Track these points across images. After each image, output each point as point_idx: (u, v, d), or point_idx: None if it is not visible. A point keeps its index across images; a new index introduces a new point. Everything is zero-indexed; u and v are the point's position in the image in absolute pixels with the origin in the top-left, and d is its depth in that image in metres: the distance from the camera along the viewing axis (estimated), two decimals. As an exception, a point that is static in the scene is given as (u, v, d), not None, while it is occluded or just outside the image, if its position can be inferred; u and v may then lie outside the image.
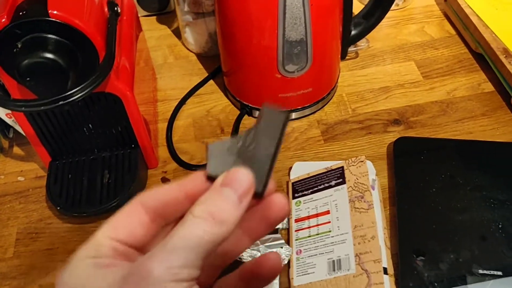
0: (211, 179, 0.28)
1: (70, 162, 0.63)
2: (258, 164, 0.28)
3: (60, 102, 0.47)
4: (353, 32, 0.72)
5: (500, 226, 0.56)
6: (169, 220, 0.29)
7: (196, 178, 0.29)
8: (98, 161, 0.63)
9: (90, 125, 0.61)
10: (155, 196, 0.29)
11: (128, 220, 0.28)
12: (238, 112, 0.73)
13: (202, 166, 0.67)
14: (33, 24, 0.47)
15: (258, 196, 0.28)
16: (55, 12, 0.47)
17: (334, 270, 0.53)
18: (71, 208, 0.59)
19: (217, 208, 0.25)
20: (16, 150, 0.71)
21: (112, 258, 0.27)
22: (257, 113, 0.72)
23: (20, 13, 0.47)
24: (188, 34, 0.81)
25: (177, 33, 0.86)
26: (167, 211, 0.29)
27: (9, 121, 0.66)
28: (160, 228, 0.29)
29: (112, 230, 0.28)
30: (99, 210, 0.59)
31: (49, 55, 0.48)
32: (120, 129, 0.62)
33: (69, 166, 0.63)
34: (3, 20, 0.46)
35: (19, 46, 0.47)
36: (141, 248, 0.29)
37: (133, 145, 0.63)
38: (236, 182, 0.26)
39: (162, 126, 0.73)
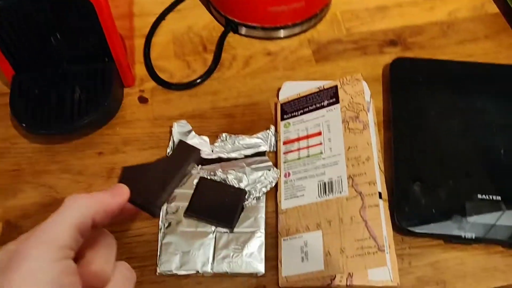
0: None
1: (36, 76, 0.57)
2: (156, 186, 0.34)
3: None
4: None
5: (502, 151, 0.53)
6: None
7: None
8: (68, 76, 0.57)
9: (58, 34, 0.55)
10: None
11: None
12: (223, 28, 0.67)
13: (183, 85, 0.62)
14: None
15: (151, 213, 0.34)
16: None
17: (325, 192, 0.49)
18: (38, 125, 0.54)
19: (91, 193, 0.30)
20: (-23, 65, 0.64)
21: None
22: (243, 29, 0.66)
23: None
24: None
25: None
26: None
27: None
28: None
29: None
30: (69, 128, 0.54)
31: None
32: (92, 41, 0.56)
33: (35, 80, 0.56)
34: None
35: None
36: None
37: (106, 59, 0.57)
38: (113, 187, 0.33)
39: (139, 42, 0.66)
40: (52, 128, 0.54)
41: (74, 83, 0.56)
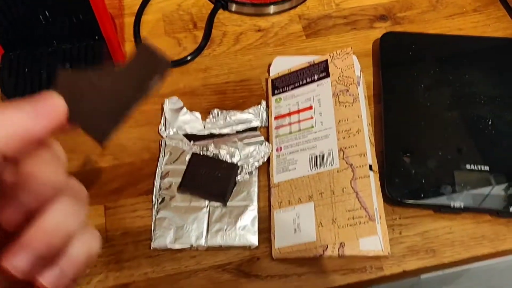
0: None
1: (26, 54, 0.56)
2: (112, 106, 0.24)
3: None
4: None
5: (489, 122, 0.54)
6: None
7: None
8: (57, 53, 0.56)
9: (46, 12, 0.54)
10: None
11: None
12: (212, 5, 0.67)
13: (174, 62, 0.61)
14: None
15: (99, 142, 0.24)
16: None
17: (317, 165, 0.50)
18: (29, 103, 0.54)
19: (9, 109, 0.21)
20: (-35, 45, 0.64)
21: None
22: (233, 6, 0.65)
23: None
24: None
25: None
26: None
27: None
28: None
29: None
30: (60, 105, 0.54)
31: None
32: (81, 18, 0.55)
33: (25, 58, 0.56)
34: None
35: None
36: None
37: (96, 37, 0.57)
38: (40, 100, 0.22)
39: (129, 20, 0.66)
40: (44, 106, 0.54)
41: (64, 61, 0.56)
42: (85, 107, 0.23)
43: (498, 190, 0.50)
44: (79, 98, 0.23)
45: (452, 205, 0.49)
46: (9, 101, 0.22)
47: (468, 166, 0.51)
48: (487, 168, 0.51)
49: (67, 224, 0.22)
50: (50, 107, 0.22)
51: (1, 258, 0.20)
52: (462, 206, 0.49)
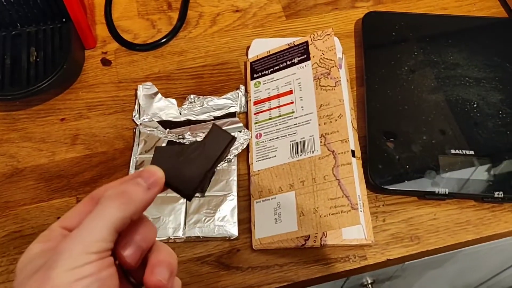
0: None
1: (-12, 39, 0.53)
2: (194, 171, 0.31)
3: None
4: None
5: (475, 105, 0.52)
6: None
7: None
8: (22, 37, 0.53)
9: (8, -7, 0.51)
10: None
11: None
12: (188, -15, 0.64)
13: (148, 45, 0.59)
14: None
15: (187, 197, 0.31)
16: None
17: (297, 152, 0.48)
18: (-8, 91, 0.51)
19: (127, 190, 0.28)
20: None
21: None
22: (209, -15, 0.63)
23: None
24: None
25: None
26: None
27: None
28: None
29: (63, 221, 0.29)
30: (26, 93, 0.51)
31: None
32: (46, -1, 0.52)
33: (-13, 43, 0.53)
34: None
35: None
36: None
37: (64, 19, 0.54)
38: (148, 173, 0.29)
39: (100, 1, 0.63)
40: (8, 92, 0.51)
41: (29, 44, 0.53)
42: (175, 174, 0.31)
43: (483, 175, 0.48)
44: (170, 168, 0.31)
45: (436, 191, 0.47)
46: (123, 179, 0.29)
47: (452, 151, 0.49)
48: (472, 152, 0.49)
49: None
50: (155, 179, 0.29)
51: (147, 276, 0.28)
52: (447, 192, 0.47)
